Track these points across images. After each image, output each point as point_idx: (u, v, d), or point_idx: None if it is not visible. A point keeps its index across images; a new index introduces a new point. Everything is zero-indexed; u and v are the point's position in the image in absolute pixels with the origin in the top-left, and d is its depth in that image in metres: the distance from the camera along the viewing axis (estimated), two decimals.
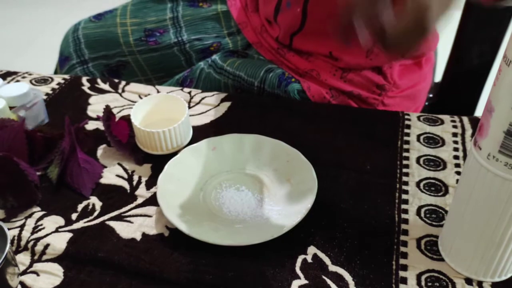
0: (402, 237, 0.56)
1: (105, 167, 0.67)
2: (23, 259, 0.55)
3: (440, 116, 0.74)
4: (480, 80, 0.88)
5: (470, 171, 0.48)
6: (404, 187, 0.62)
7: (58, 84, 0.84)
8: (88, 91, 0.82)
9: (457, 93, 0.93)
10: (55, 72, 1.00)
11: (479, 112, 0.73)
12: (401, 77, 0.80)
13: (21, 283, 0.52)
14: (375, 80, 0.79)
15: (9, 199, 0.60)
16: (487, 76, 0.87)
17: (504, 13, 0.80)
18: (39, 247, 0.56)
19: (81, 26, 0.95)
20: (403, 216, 0.59)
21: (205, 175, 0.65)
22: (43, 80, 0.85)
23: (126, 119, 0.70)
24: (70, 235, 0.57)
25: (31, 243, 0.57)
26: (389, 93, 0.81)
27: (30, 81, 0.85)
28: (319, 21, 0.76)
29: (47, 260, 0.55)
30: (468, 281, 0.52)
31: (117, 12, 0.94)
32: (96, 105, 0.79)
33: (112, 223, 0.59)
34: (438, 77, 0.96)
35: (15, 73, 0.87)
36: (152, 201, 0.61)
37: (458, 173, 0.64)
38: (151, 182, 0.64)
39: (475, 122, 0.73)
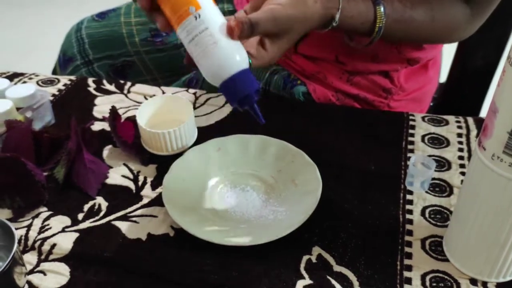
0: (407, 238, 0.56)
1: (111, 167, 0.67)
2: (30, 258, 0.56)
3: (445, 116, 0.74)
4: (485, 81, 0.88)
5: (475, 172, 0.48)
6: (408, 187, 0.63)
7: (65, 85, 0.85)
8: (94, 92, 0.83)
9: (462, 94, 0.92)
10: (54, 72, 0.99)
11: (484, 112, 0.73)
12: (407, 80, 0.80)
13: (28, 282, 0.53)
14: (382, 83, 0.79)
15: (16, 199, 0.61)
16: (492, 77, 0.87)
17: (509, 14, 0.80)
18: (46, 247, 0.57)
19: (84, 25, 0.94)
20: (408, 216, 0.59)
21: (210, 176, 0.65)
22: (50, 81, 0.85)
23: (132, 120, 0.71)
24: (76, 235, 0.58)
25: (38, 242, 0.57)
26: (395, 97, 0.80)
27: (37, 82, 0.85)
28: None
29: (53, 260, 0.55)
30: (473, 281, 0.52)
31: (121, 11, 0.94)
32: (102, 106, 0.79)
33: (118, 223, 0.59)
34: (443, 78, 0.96)
35: (21, 74, 0.88)
36: (157, 201, 0.62)
37: (463, 173, 0.64)
38: (157, 182, 0.65)
39: (480, 122, 0.72)
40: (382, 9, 0.62)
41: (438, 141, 0.70)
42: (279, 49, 0.54)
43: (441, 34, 0.70)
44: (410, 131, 0.72)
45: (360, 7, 0.62)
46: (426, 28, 0.67)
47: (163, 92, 0.81)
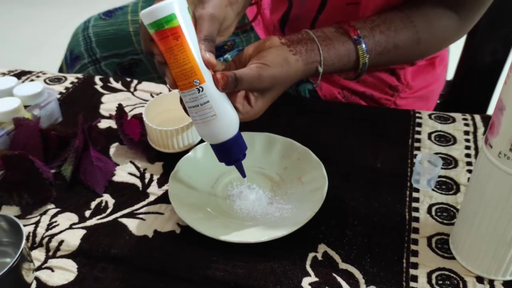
0: (413, 235, 0.56)
1: (118, 165, 0.68)
2: (38, 255, 0.56)
3: (452, 114, 0.74)
4: (492, 78, 0.87)
5: (481, 170, 0.48)
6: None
7: (72, 83, 0.85)
8: (100, 90, 0.83)
9: (469, 91, 0.92)
10: (60, 71, 1.00)
11: (491, 110, 0.73)
12: (414, 78, 0.80)
13: (36, 278, 0.53)
14: (388, 81, 0.79)
15: (25, 196, 0.61)
16: (499, 74, 0.87)
17: None
18: (53, 244, 0.57)
19: (91, 24, 0.94)
20: (414, 214, 0.59)
21: (216, 173, 0.65)
22: (57, 79, 0.86)
23: (138, 118, 0.71)
24: (83, 231, 0.58)
25: (46, 239, 0.58)
26: (402, 94, 0.80)
27: (44, 81, 0.86)
28: None
29: (61, 256, 0.56)
30: (479, 279, 0.51)
31: (128, 9, 0.94)
32: (108, 104, 0.80)
33: (124, 220, 0.60)
34: (450, 75, 0.95)
35: (29, 72, 0.88)
36: (163, 198, 0.62)
37: (470, 171, 0.64)
38: (163, 180, 0.65)
39: (487, 120, 0.72)
40: (363, 46, 0.61)
41: (444, 139, 0.70)
42: (263, 105, 0.56)
43: (429, 51, 0.71)
44: (417, 128, 0.71)
45: (341, 51, 0.61)
46: (412, 51, 0.67)
47: (170, 90, 0.82)
